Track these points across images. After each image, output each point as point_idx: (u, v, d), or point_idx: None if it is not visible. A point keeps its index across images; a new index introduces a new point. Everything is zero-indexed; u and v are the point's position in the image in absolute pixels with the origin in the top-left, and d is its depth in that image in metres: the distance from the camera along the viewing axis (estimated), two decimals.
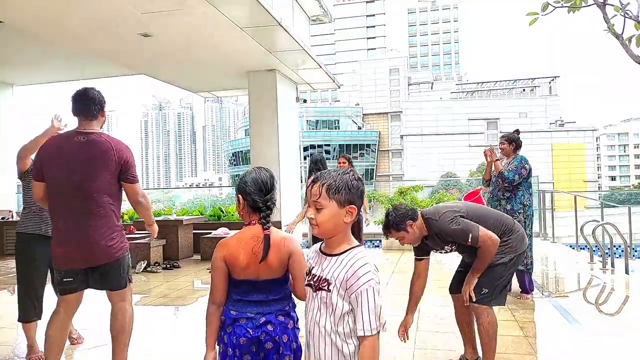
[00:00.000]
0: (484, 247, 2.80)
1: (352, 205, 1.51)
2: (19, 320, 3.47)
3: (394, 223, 2.87)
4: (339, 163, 6.23)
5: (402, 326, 2.94)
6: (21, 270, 3.46)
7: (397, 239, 2.96)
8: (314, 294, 1.57)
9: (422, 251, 3.06)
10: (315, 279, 1.57)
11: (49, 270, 3.55)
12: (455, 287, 3.17)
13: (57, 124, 3.35)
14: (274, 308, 1.84)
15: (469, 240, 2.80)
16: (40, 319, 3.46)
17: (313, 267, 1.61)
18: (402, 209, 2.90)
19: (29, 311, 3.44)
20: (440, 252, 3.12)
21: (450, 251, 3.07)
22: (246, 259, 1.80)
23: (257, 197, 1.85)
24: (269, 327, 1.81)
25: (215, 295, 1.84)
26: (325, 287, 1.51)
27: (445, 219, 2.88)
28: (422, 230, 2.95)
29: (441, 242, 2.97)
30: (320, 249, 1.63)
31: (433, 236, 2.96)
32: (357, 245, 1.57)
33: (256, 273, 1.82)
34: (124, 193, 2.95)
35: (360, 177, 1.60)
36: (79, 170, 2.73)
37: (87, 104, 2.88)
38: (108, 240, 2.77)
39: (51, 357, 2.79)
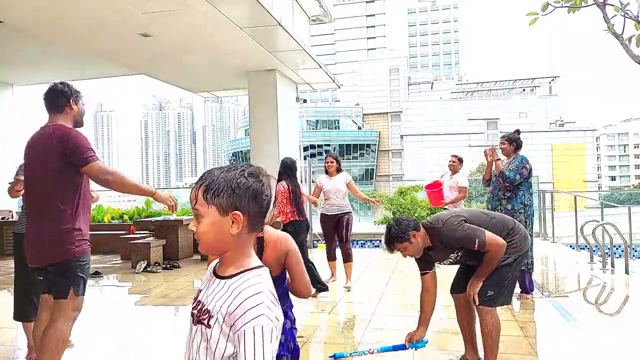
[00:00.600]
0: (491, 251, 2.78)
1: (237, 212, 1.13)
2: (15, 319, 3.49)
3: (398, 235, 2.84)
4: (326, 163, 5.82)
5: (409, 336, 2.89)
6: (19, 270, 3.47)
7: (400, 250, 2.92)
8: (194, 327, 1.18)
9: (425, 264, 3.01)
10: (198, 308, 1.18)
11: None
12: (457, 287, 3.15)
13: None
14: None
15: (476, 246, 2.78)
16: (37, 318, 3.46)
17: (200, 291, 1.23)
18: (404, 221, 2.88)
19: (28, 311, 3.44)
20: (444, 264, 3.05)
21: (455, 261, 3.00)
22: None
23: None
24: None
25: None
26: (206, 321, 1.13)
27: (451, 225, 2.85)
28: (425, 241, 2.91)
29: (447, 250, 2.92)
30: (214, 267, 1.24)
31: (437, 246, 2.92)
32: (253, 268, 1.17)
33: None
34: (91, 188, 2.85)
35: (261, 173, 1.20)
36: (32, 166, 2.70)
37: (52, 97, 2.77)
38: (54, 241, 2.58)
39: (41, 357, 2.63)
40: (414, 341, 2.86)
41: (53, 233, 2.58)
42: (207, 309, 1.15)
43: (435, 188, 6.48)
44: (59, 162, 2.58)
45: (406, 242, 2.85)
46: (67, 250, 2.57)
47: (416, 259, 3.02)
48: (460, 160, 6.70)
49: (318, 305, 4.78)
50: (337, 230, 5.73)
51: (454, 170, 6.55)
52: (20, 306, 3.45)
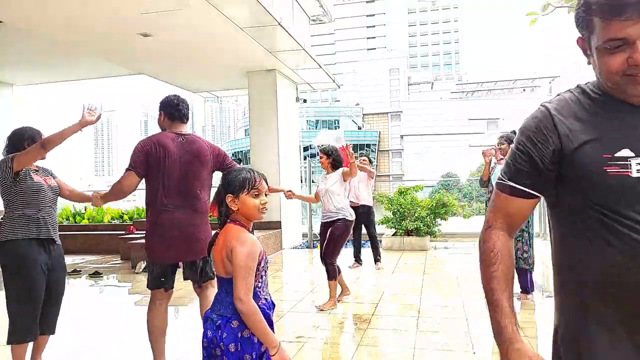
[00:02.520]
0: None
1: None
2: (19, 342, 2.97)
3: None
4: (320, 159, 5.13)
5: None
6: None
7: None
8: None
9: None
10: None
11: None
12: None
13: (89, 117, 2.96)
14: (229, 310, 1.75)
15: None
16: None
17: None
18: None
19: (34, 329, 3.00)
20: None
21: None
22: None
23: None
24: (220, 332, 1.73)
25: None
26: None
27: None
28: None
29: None
30: None
31: None
32: None
33: (218, 269, 1.84)
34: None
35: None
36: (184, 168, 2.97)
37: (187, 108, 3.14)
38: (208, 234, 3.00)
39: None
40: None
41: (207, 228, 3.04)
42: None
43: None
44: (212, 168, 3.10)
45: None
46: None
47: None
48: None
49: (318, 305, 4.78)
50: None
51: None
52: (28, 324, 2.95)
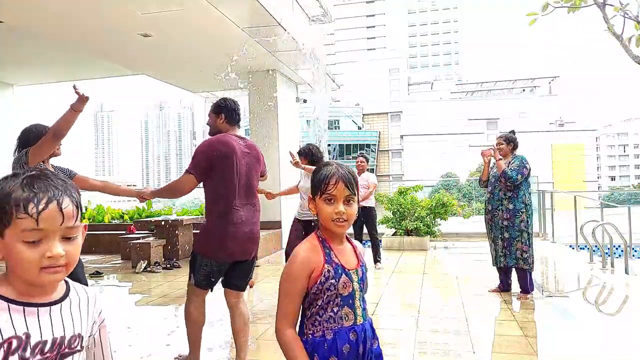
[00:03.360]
0: None
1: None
2: None
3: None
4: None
5: None
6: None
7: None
8: None
9: None
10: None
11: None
12: None
13: (83, 93, 2.77)
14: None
15: None
16: None
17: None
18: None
19: None
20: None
21: None
22: None
23: None
24: None
25: None
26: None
27: None
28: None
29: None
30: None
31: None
32: None
33: None
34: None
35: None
36: (248, 169, 3.12)
37: (239, 114, 3.27)
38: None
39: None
40: None
41: (259, 229, 3.18)
42: None
43: None
44: (260, 171, 3.28)
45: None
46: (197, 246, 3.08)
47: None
48: (367, 160, 7.21)
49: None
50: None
51: (362, 170, 6.99)
52: None
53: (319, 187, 1.44)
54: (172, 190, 3.15)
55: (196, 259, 3.00)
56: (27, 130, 3.06)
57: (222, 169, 2.97)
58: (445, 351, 3.41)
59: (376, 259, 6.87)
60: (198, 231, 3.18)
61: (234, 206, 2.99)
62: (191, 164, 3.01)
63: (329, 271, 1.41)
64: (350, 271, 1.45)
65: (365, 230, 6.95)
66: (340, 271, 1.42)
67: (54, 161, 3.09)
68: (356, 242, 1.58)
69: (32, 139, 2.92)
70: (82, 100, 2.74)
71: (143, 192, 3.19)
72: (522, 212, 4.73)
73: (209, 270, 2.99)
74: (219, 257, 2.97)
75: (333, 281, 1.40)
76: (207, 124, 3.31)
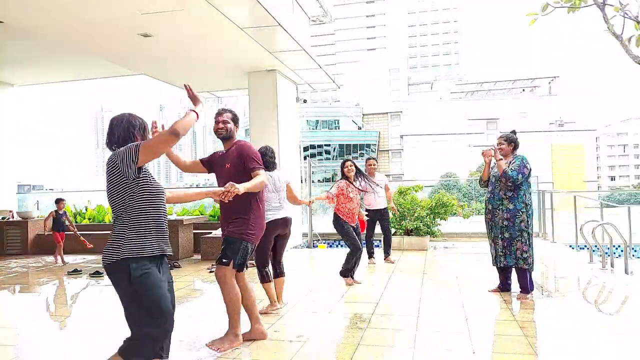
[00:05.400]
0: None
1: None
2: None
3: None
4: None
5: None
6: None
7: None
8: None
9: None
10: None
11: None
12: None
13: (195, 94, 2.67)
14: None
15: None
16: None
17: None
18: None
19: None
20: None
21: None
22: None
23: None
24: None
25: None
26: None
27: None
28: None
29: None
30: None
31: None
32: None
33: None
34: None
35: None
36: None
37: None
38: None
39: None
40: None
41: None
42: None
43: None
44: None
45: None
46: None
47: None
48: (376, 162, 7.65)
49: (318, 304, 4.79)
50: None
51: (372, 171, 7.26)
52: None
53: None
54: (259, 185, 3.44)
55: (241, 246, 3.47)
56: (131, 122, 2.55)
57: None
58: (445, 351, 3.41)
59: (388, 252, 7.28)
60: (237, 222, 3.48)
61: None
62: (258, 163, 3.54)
63: None
64: None
65: (377, 229, 7.31)
66: None
67: None
68: None
69: (138, 132, 2.55)
70: (195, 99, 2.59)
71: (228, 186, 2.95)
72: (522, 212, 4.73)
73: (247, 254, 3.54)
74: (258, 241, 3.63)
75: None
76: (227, 127, 3.68)
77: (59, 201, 8.11)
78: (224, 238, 3.56)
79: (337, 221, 5.80)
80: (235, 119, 3.76)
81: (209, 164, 3.83)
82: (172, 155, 3.70)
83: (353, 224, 5.79)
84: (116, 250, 2.42)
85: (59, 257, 7.97)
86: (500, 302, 4.75)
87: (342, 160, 6.08)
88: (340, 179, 5.94)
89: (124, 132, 2.51)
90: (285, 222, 4.49)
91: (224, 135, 3.68)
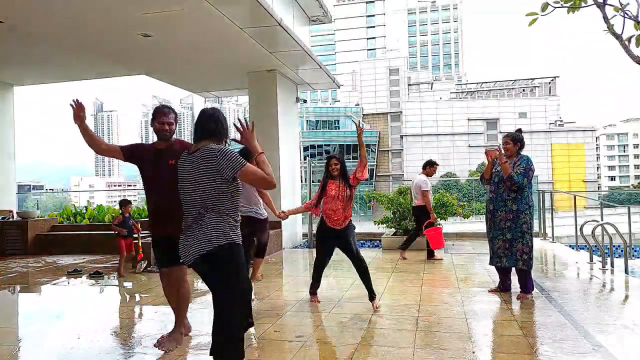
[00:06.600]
0: None
1: None
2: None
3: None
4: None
5: None
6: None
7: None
8: None
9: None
10: None
11: None
12: None
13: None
14: None
15: None
16: None
17: None
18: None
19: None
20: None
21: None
22: None
23: None
24: None
25: None
26: None
27: None
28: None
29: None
30: None
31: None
32: None
33: None
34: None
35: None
36: None
37: None
38: None
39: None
40: None
41: None
42: None
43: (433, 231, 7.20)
44: None
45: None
46: None
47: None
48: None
49: (318, 304, 4.79)
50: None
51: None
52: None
53: None
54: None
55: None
56: (225, 122, 2.85)
57: None
58: (445, 351, 3.41)
59: (406, 247, 7.52)
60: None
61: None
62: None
63: None
64: None
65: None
66: None
67: None
68: None
69: (224, 128, 2.84)
70: (252, 137, 2.95)
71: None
72: (525, 213, 4.73)
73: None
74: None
75: None
76: (171, 129, 3.59)
77: (125, 203, 6.97)
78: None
79: (319, 228, 4.94)
80: (177, 119, 3.71)
81: (130, 154, 3.59)
82: (88, 134, 3.47)
83: (337, 227, 4.77)
84: (220, 236, 2.60)
85: (121, 268, 6.75)
86: (500, 302, 4.75)
87: (327, 157, 5.16)
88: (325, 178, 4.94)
89: (215, 125, 2.79)
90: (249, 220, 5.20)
91: (168, 137, 3.57)
